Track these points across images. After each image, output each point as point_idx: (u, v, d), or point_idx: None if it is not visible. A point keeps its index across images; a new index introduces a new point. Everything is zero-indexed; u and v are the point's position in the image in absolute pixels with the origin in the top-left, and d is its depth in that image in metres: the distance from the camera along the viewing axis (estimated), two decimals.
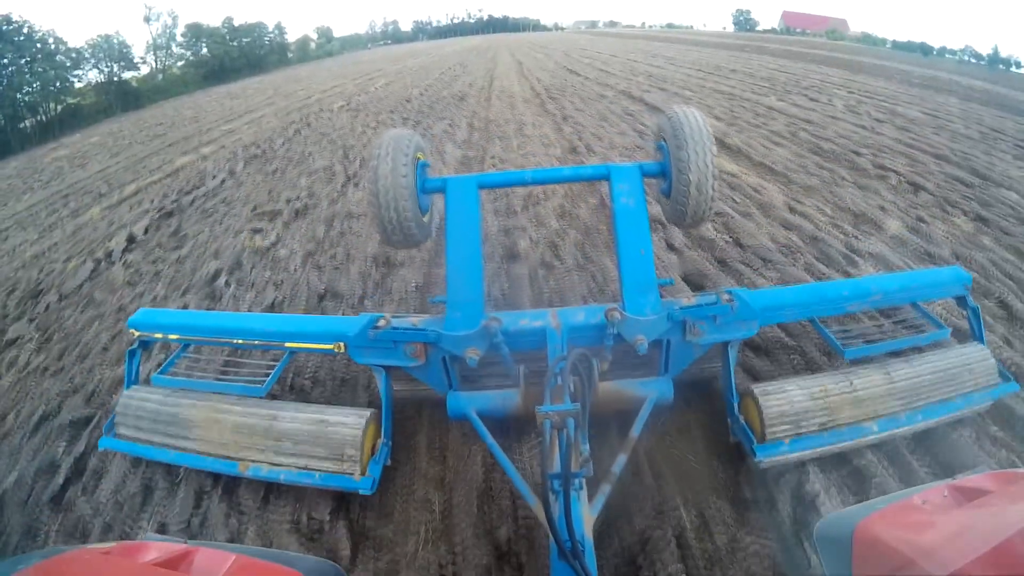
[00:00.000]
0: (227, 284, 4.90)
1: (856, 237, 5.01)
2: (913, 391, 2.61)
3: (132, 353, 3.01)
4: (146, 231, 6.88)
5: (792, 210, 5.76)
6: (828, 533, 1.42)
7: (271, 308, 4.41)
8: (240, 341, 2.98)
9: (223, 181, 8.88)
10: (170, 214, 7.49)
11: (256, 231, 6.10)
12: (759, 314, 2.65)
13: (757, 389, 2.55)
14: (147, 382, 3.02)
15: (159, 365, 3.25)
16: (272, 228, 6.17)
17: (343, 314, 4.22)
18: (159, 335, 3.03)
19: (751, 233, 5.14)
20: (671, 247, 4.96)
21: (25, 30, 34.16)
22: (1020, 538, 1.01)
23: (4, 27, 32.56)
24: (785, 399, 2.50)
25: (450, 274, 2.64)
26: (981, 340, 2.88)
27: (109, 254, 6.34)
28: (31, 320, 5.13)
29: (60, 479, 3.01)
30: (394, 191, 2.63)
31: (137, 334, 3.00)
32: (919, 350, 2.86)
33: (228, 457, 2.60)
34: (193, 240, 6.29)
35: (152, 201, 8.41)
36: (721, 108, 11.47)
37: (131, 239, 6.66)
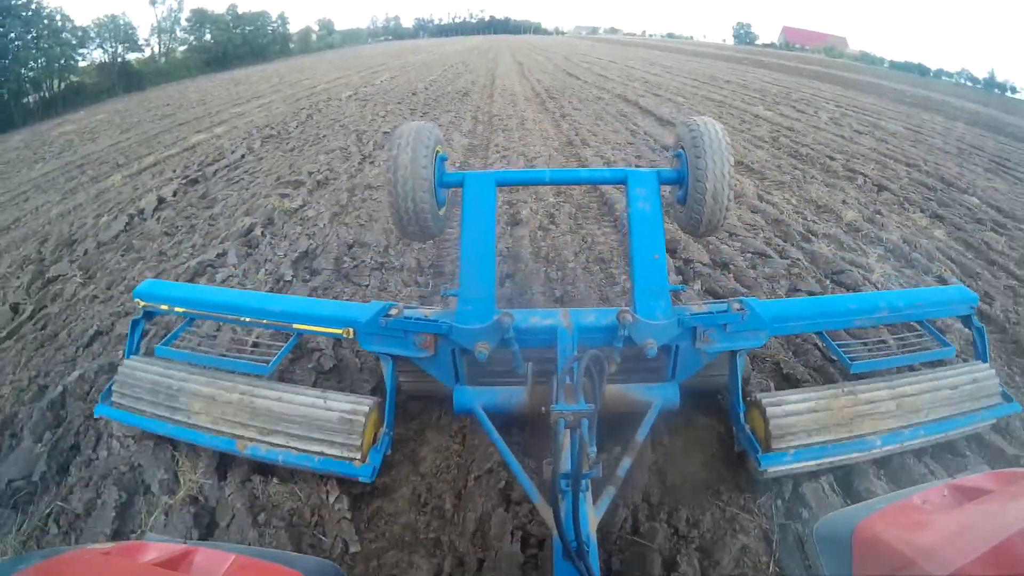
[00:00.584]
0: (263, 235, 5.52)
1: (814, 222, 5.76)
2: (917, 407, 2.66)
3: (136, 323, 3.02)
4: (174, 194, 7.46)
5: (761, 199, 6.51)
6: (827, 533, 1.42)
7: (305, 255, 5.03)
8: (248, 319, 2.95)
9: (243, 156, 9.47)
10: (195, 181, 8.09)
11: (283, 195, 6.72)
12: (769, 324, 2.68)
13: (764, 399, 2.58)
14: (149, 353, 3.05)
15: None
16: (298, 194, 6.80)
17: (371, 261, 4.86)
18: (165, 306, 3.02)
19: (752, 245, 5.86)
20: None
21: (33, 6, 34.24)
22: (1020, 538, 1.01)
23: (13, 2, 32.77)
24: (791, 410, 2.55)
25: (464, 268, 2.68)
26: (985, 360, 2.94)
27: (141, 211, 6.90)
28: (71, 262, 5.63)
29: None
30: (413, 182, 2.66)
31: (142, 304, 3.00)
32: (924, 366, 2.97)
33: (227, 434, 2.62)
34: (223, 202, 6.92)
35: (175, 171, 8.96)
36: (710, 114, 12.16)
37: (160, 200, 7.24)
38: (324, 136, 10.68)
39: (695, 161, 2.65)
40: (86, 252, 5.85)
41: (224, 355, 3.05)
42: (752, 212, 6.05)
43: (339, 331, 2.76)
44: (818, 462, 2.52)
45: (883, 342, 3.26)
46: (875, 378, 2.80)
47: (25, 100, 32.11)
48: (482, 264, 2.66)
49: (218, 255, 5.14)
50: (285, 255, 5.03)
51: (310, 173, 7.75)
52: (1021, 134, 14.42)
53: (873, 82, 26.31)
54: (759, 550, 2.31)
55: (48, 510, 2.59)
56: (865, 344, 3.23)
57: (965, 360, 3.15)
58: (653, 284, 2.58)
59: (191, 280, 4.75)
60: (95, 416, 2.86)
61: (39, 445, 2.94)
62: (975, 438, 2.85)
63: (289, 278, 4.58)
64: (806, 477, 2.57)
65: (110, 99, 31.76)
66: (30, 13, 33.83)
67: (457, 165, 7.97)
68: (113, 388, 2.84)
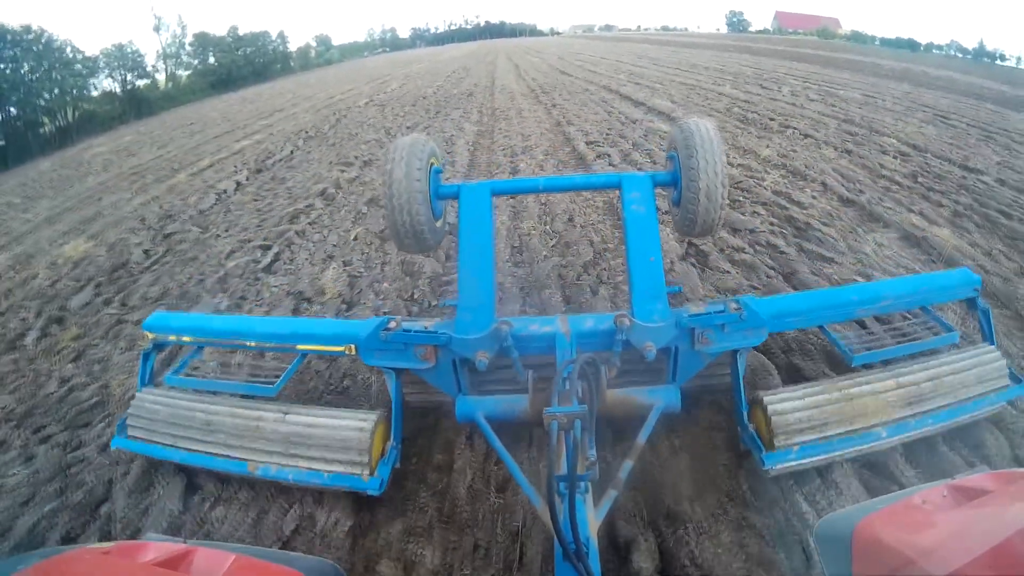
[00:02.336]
0: (336, 193, 7.79)
1: (735, 158, 7.93)
2: (923, 395, 2.66)
3: (147, 355, 3.16)
4: (247, 179, 9.75)
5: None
6: (827, 533, 1.44)
7: (371, 201, 7.26)
8: (253, 344, 3.09)
9: (292, 152, 11.79)
10: (259, 171, 10.39)
11: (341, 171, 9.03)
12: (768, 322, 2.72)
13: (766, 398, 2.62)
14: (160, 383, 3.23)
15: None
16: (351, 170, 9.12)
17: None
18: (173, 337, 3.15)
19: (660, 158, 8.01)
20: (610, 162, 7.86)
21: (44, 40, 36.55)
22: (1020, 538, 1.02)
23: (25, 37, 35.04)
24: (793, 406, 2.57)
25: (462, 278, 2.78)
26: (992, 341, 2.96)
27: (224, 191, 9.14)
28: (182, 222, 7.78)
29: (265, 262, 5.77)
30: (408, 195, 2.75)
31: (151, 336, 3.13)
32: (929, 354, 2.93)
33: (237, 458, 2.72)
34: (291, 180, 9.21)
35: (235, 166, 11.22)
36: (680, 94, 14.48)
37: (238, 184, 9.52)
38: (356, 134, 13.02)
39: (687, 162, 2.74)
40: (191, 217, 8.07)
41: (232, 379, 3.21)
42: None
43: (341, 348, 2.86)
44: (824, 457, 2.54)
45: (888, 330, 3.26)
46: (878, 368, 2.84)
47: (41, 130, 34.54)
48: (480, 274, 2.75)
49: (306, 206, 7.42)
50: (357, 201, 7.31)
51: (356, 157, 10.09)
52: (986, 95, 15.60)
53: (855, 59, 27.36)
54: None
55: None
56: (872, 333, 3.21)
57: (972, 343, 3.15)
58: (650, 287, 2.65)
59: (292, 218, 7.01)
60: (112, 448, 3.02)
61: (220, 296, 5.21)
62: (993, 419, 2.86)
63: (364, 211, 6.84)
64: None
65: (122, 125, 33.60)
66: (41, 47, 36.19)
67: (471, 146, 10.23)
68: (127, 421, 2.98)
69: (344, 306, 4.70)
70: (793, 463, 2.51)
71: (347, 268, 5.42)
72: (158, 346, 3.21)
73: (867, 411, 2.59)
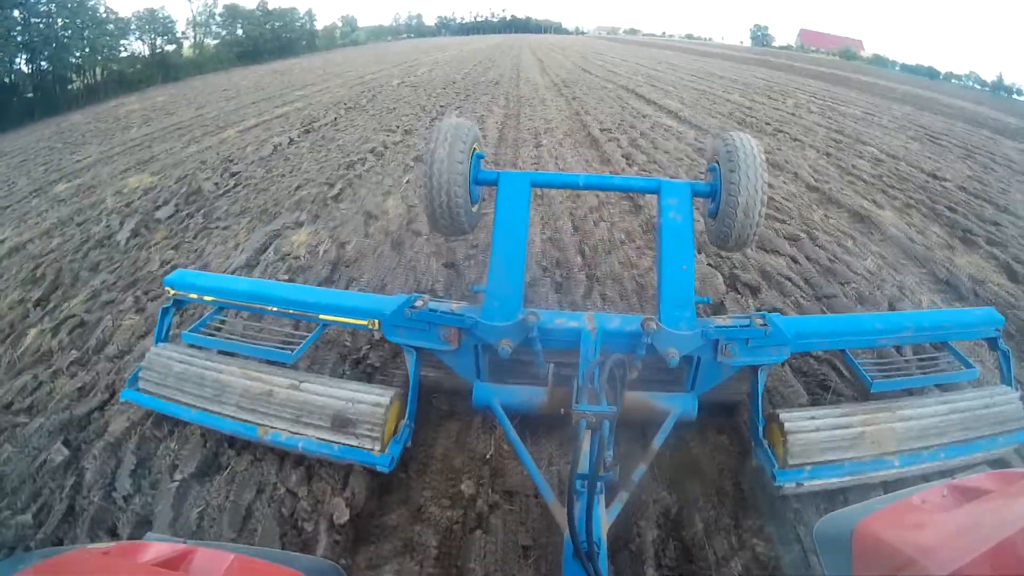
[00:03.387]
0: (384, 151, 9.21)
1: None
2: (938, 429, 2.70)
3: (165, 311, 3.16)
4: (298, 136, 11.13)
5: (697, 140, 10.13)
6: (828, 533, 1.46)
7: (418, 158, 8.63)
8: (275, 309, 3.08)
9: (336, 119, 13.17)
10: (308, 131, 11.77)
11: (387, 135, 10.48)
12: (791, 341, 2.74)
13: (783, 415, 2.64)
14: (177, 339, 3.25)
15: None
16: (395, 135, 10.56)
17: None
18: (194, 295, 3.16)
19: (665, 148, 9.45)
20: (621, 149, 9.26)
21: None
22: (1020, 538, 1.05)
23: None
24: (810, 427, 2.60)
25: (493, 264, 2.79)
26: (1010, 383, 3.00)
27: (279, 144, 10.49)
28: (245, 165, 9.10)
29: (332, 194, 7.11)
30: (448, 176, 2.80)
31: (172, 292, 3.13)
32: (947, 388, 3.03)
33: (248, 421, 2.72)
34: (340, 139, 10.63)
35: (282, 127, 12.57)
36: (690, 98, 15.89)
37: (290, 139, 10.90)
38: (394, 108, 14.42)
39: (728, 175, 2.76)
40: (253, 162, 9.39)
41: (250, 342, 3.18)
42: (687, 144, 9.72)
43: (364, 322, 2.89)
44: (835, 481, 2.57)
45: (908, 361, 3.36)
46: (896, 398, 2.89)
47: (69, 86, 35.41)
48: (512, 262, 2.78)
49: (359, 159, 8.83)
50: (405, 157, 8.76)
51: (397, 126, 11.51)
52: (988, 123, 16.55)
53: (870, 81, 28.54)
54: None
55: None
56: (889, 363, 3.29)
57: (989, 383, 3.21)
58: (679, 295, 2.67)
59: (349, 166, 8.40)
60: (121, 400, 3.02)
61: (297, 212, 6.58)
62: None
63: (411, 165, 8.26)
64: None
65: (150, 87, 34.68)
66: (75, 4, 37.07)
67: (500, 125, 11.63)
68: (140, 374, 2.97)
69: (406, 222, 6.08)
70: (804, 483, 2.55)
71: (404, 200, 6.77)
72: (178, 303, 3.23)
73: (882, 439, 2.64)
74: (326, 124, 12.55)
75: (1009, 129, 15.68)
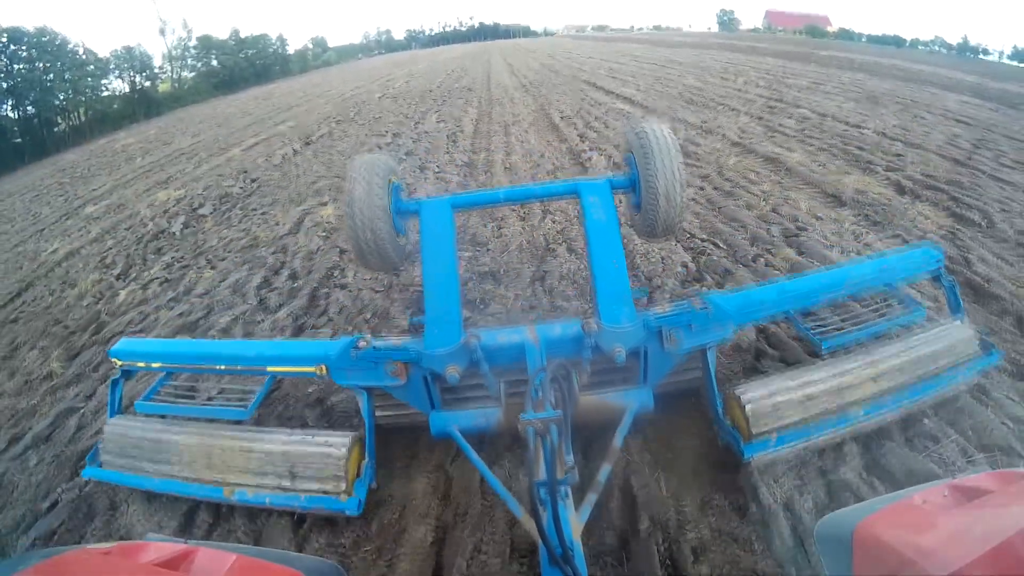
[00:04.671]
0: (379, 150, 10.97)
1: (673, 128, 11.06)
2: (897, 373, 2.79)
3: (115, 383, 3.18)
4: (300, 148, 12.91)
5: (644, 118, 11.87)
6: (828, 533, 1.47)
7: (409, 152, 10.43)
8: (222, 367, 3.15)
9: (330, 131, 14.97)
10: (308, 143, 13.55)
11: (378, 138, 12.31)
12: (734, 315, 2.82)
13: (738, 389, 2.72)
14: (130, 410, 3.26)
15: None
16: (386, 138, 12.39)
17: (439, 158, 10.24)
18: (142, 363, 3.19)
19: (615, 127, 11.20)
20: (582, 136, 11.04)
21: (58, 41, 38.88)
22: (1020, 538, 1.04)
23: (40, 39, 37.25)
24: (767, 396, 2.68)
25: (428, 293, 2.89)
26: (960, 314, 3.11)
27: (285, 155, 12.30)
28: (261, 172, 10.81)
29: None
30: (370, 212, 2.93)
31: (120, 363, 3.17)
32: (899, 332, 3.14)
33: (213, 483, 2.77)
34: (339, 146, 12.44)
35: (283, 142, 14.31)
36: (646, 84, 17.79)
37: (295, 151, 12.67)
38: (380, 117, 16.27)
39: (645, 165, 2.89)
40: (266, 170, 11.18)
41: (204, 404, 3.25)
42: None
43: (312, 368, 2.92)
44: (803, 443, 2.66)
45: (855, 313, 3.42)
46: (850, 351, 2.97)
47: (55, 128, 36.99)
48: (445, 288, 2.88)
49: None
50: (398, 152, 10.59)
51: (386, 131, 13.36)
52: (938, 82, 17.57)
53: (830, 55, 28.88)
54: None
55: None
56: (830, 319, 3.34)
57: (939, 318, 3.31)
58: (615, 291, 2.78)
59: (374, 141, 10.12)
60: (83, 477, 3.07)
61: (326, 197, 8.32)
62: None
63: (404, 158, 10.02)
64: None
65: (133, 124, 35.92)
66: (55, 48, 38.41)
67: (475, 121, 13.44)
68: (99, 449, 3.02)
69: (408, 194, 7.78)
70: (772, 451, 2.62)
71: (403, 180, 8.47)
72: (127, 373, 3.24)
73: (842, 394, 2.71)
74: (323, 136, 14.33)
75: (956, 85, 16.84)
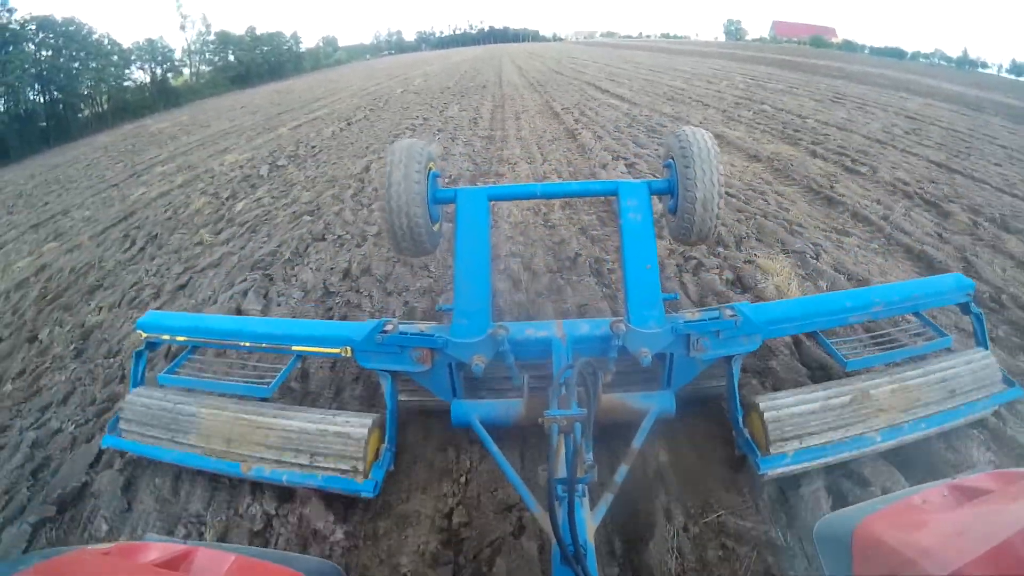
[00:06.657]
0: (415, 128, 14.10)
1: (649, 116, 14.08)
2: (917, 400, 2.83)
3: (139, 354, 3.31)
4: (343, 128, 15.92)
5: (628, 112, 14.92)
6: (828, 533, 1.51)
7: (439, 130, 13.52)
8: (247, 344, 3.23)
9: (366, 116, 18.01)
10: (349, 123, 16.58)
11: (411, 121, 15.41)
12: (762, 328, 2.88)
13: (761, 402, 2.76)
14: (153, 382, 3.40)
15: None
16: (416, 120, 15.47)
17: (464, 135, 13.28)
18: (167, 336, 3.29)
19: (605, 116, 14.23)
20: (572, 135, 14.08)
21: (84, 31, 41.47)
22: (1020, 538, 1.06)
23: (69, 28, 39.90)
24: (788, 411, 2.72)
25: (458, 282, 2.92)
26: (985, 346, 3.14)
27: (334, 131, 15.27)
28: (318, 142, 13.68)
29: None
30: (407, 198, 2.94)
31: (145, 335, 3.27)
32: (923, 358, 3.19)
33: (231, 457, 2.87)
34: (378, 126, 15.49)
35: (324, 124, 17.22)
36: (638, 86, 20.90)
37: (340, 129, 15.69)
38: (407, 107, 19.35)
39: (684, 171, 2.88)
40: (321, 140, 14.16)
41: (226, 379, 3.33)
42: (622, 114, 14.59)
43: (337, 350, 3.00)
44: (819, 462, 2.70)
45: (882, 335, 3.44)
46: (873, 373, 3.02)
47: (79, 115, 39.40)
48: (476, 278, 2.91)
49: (400, 133, 13.64)
50: (430, 130, 13.64)
51: (417, 116, 16.49)
52: (918, 90, 19.28)
53: (823, 64, 30.97)
54: None
55: None
56: (861, 340, 3.44)
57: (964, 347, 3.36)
58: (646, 294, 2.81)
59: (395, 137, 12.80)
60: (102, 447, 3.19)
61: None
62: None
63: (437, 135, 13.03)
64: None
65: (155, 113, 38.17)
66: (81, 38, 40.97)
67: (491, 111, 16.49)
68: (120, 418, 3.13)
69: (440, 156, 10.77)
70: (788, 467, 2.67)
71: (440, 144, 11.56)
72: (151, 345, 3.36)
73: (862, 415, 2.76)
74: (360, 120, 17.36)
75: (937, 92, 18.64)
